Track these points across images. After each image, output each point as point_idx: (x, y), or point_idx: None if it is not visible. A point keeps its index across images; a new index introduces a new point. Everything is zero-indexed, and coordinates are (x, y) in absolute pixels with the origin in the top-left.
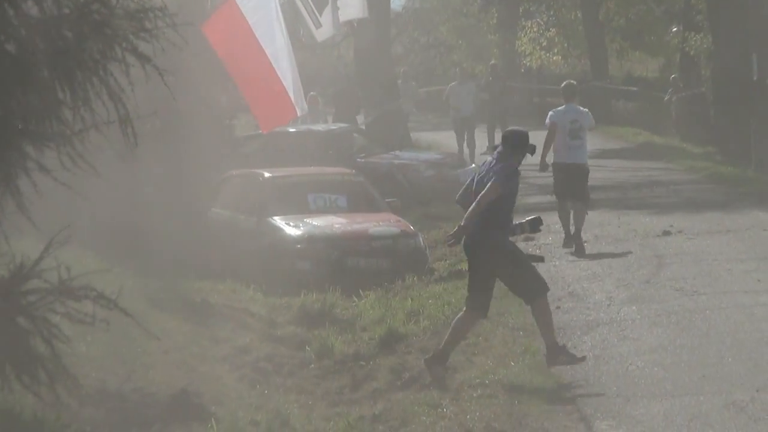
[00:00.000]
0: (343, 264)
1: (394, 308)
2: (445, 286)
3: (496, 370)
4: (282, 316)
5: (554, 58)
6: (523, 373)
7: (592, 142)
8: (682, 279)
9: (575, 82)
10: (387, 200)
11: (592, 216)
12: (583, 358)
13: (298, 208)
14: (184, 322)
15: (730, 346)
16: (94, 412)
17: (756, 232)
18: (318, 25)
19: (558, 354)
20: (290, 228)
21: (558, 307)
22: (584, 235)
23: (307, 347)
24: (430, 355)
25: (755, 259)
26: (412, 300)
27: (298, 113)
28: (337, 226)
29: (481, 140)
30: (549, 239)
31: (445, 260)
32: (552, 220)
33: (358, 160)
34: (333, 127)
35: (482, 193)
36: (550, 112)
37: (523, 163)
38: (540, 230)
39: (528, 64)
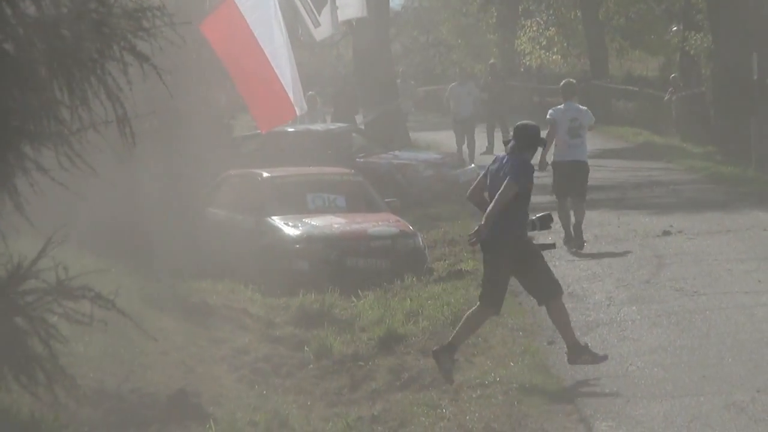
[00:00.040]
0: (342, 264)
1: (393, 308)
2: (445, 286)
3: (496, 371)
4: (280, 317)
5: (554, 57)
6: (523, 374)
7: (592, 141)
8: (682, 279)
9: (574, 81)
10: (386, 200)
11: (591, 216)
12: (605, 357)
13: (296, 208)
14: (183, 322)
15: (731, 347)
16: (91, 413)
17: (756, 232)
18: (317, 24)
19: (581, 353)
20: (289, 228)
21: None
22: (584, 236)
23: (305, 348)
24: (439, 346)
25: (756, 260)
26: (411, 300)
27: (298, 113)
28: (335, 226)
29: (481, 140)
30: (549, 239)
31: (445, 260)
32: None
33: (357, 159)
34: (332, 126)
35: (499, 192)
36: (550, 111)
37: None
38: (550, 227)
39: (527, 63)
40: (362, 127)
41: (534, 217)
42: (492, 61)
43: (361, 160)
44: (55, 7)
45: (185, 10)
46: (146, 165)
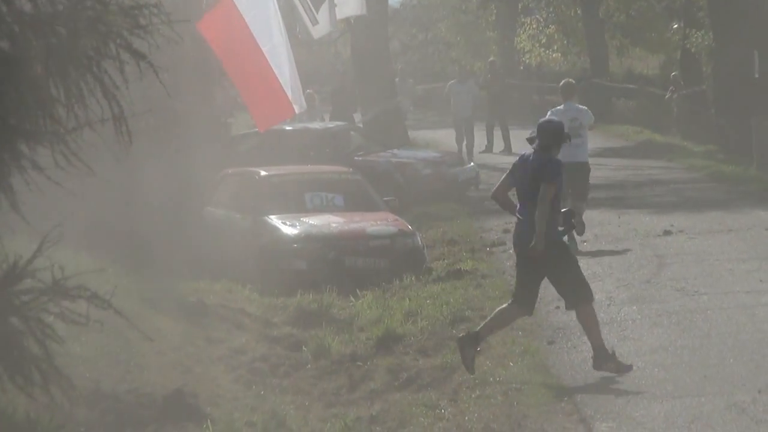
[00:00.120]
0: (340, 263)
1: (392, 308)
2: (444, 286)
3: (495, 371)
4: (278, 317)
5: (554, 55)
6: (522, 374)
7: (593, 140)
8: (683, 279)
9: (573, 81)
10: (385, 199)
11: (592, 215)
12: (630, 367)
13: (294, 207)
14: (179, 322)
15: (732, 347)
16: (88, 413)
17: (758, 232)
18: (314, 22)
19: (607, 360)
20: (287, 227)
21: (557, 308)
22: (585, 235)
23: (303, 348)
24: (464, 333)
25: (757, 259)
26: (409, 300)
27: (297, 111)
28: (334, 225)
29: (480, 139)
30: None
31: (444, 260)
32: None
33: (356, 158)
34: (330, 125)
35: (540, 198)
36: (549, 112)
37: None
38: (573, 224)
39: (527, 61)
40: (361, 125)
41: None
42: (491, 59)
43: (360, 158)
44: (51, 4)
45: (182, 8)
46: (143, 164)
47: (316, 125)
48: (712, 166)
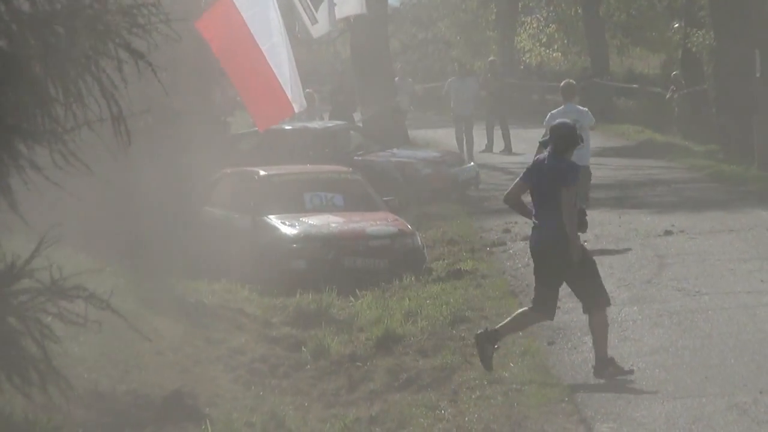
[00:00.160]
0: (340, 264)
1: (392, 308)
2: (444, 286)
3: (495, 372)
4: (277, 317)
5: (554, 54)
6: (523, 375)
7: (593, 140)
8: (684, 279)
9: (574, 82)
10: (384, 199)
11: (592, 215)
12: (631, 371)
13: (293, 206)
14: (178, 322)
15: (733, 348)
16: (86, 414)
17: (759, 232)
18: (314, 21)
19: (607, 365)
20: (286, 227)
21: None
22: (585, 236)
23: (302, 348)
24: (483, 330)
25: (758, 259)
26: (409, 300)
27: (297, 110)
28: (333, 225)
29: (480, 138)
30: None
31: (443, 260)
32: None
33: (355, 158)
34: (329, 124)
35: (564, 204)
36: (550, 113)
37: (519, 162)
38: (586, 222)
39: (527, 60)
40: (360, 124)
41: None
42: (491, 58)
43: (359, 158)
44: (50, 3)
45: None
46: (142, 163)
47: (316, 125)
48: (713, 165)
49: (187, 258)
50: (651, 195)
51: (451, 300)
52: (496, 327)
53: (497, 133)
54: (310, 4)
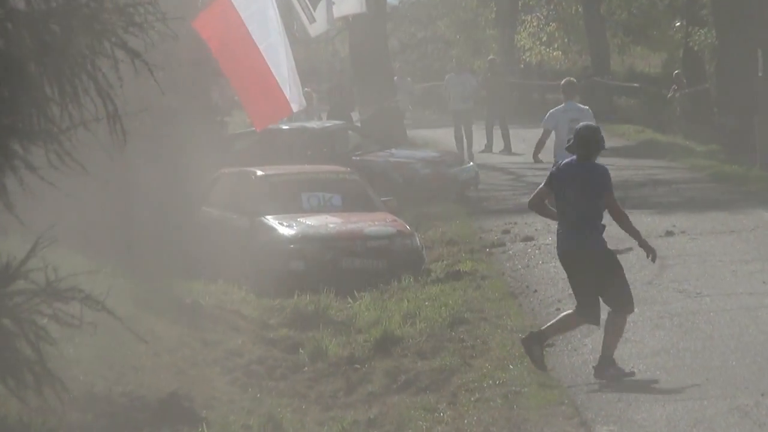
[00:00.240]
0: (338, 264)
1: (390, 310)
2: (442, 287)
3: (495, 374)
4: (275, 318)
5: (554, 53)
6: (522, 377)
7: None
8: (685, 280)
9: (575, 80)
10: (383, 199)
11: None
12: (632, 373)
13: (291, 207)
14: (174, 324)
15: (735, 350)
16: (81, 417)
17: (761, 233)
18: (312, 19)
19: (608, 366)
20: (283, 228)
21: (558, 309)
22: None
23: (300, 350)
24: (527, 334)
25: (760, 260)
26: (408, 301)
27: (295, 109)
28: (331, 225)
29: (479, 138)
30: (549, 239)
31: (442, 261)
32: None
33: (354, 158)
34: (328, 124)
35: (614, 211)
36: (549, 112)
37: (519, 162)
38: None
39: (527, 59)
40: (359, 124)
41: None
42: (491, 57)
43: (358, 158)
44: (45, 2)
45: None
46: (138, 163)
47: (314, 124)
48: (715, 166)
49: (184, 259)
50: (652, 195)
51: (450, 301)
52: (542, 328)
53: (497, 132)
54: (308, 2)
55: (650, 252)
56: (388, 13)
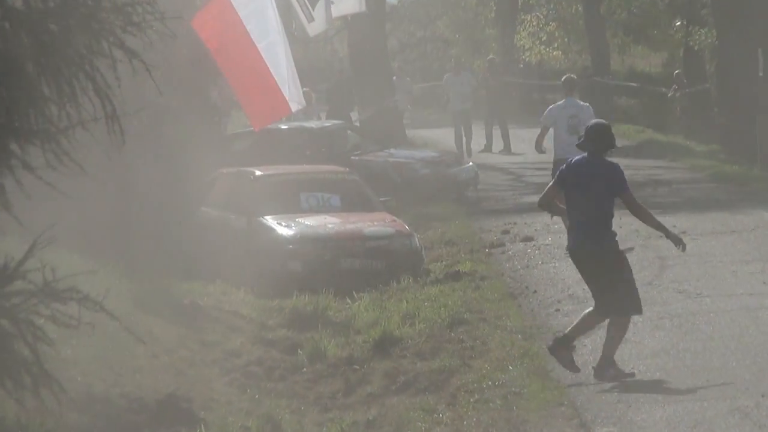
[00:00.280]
0: (337, 265)
1: (389, 310)
2: (442, 287)
3: (494, 375)
4: (273, 319)
5: (554, 53)
6: (522, 378)
7: None
8: (686, 281)
9: (575, 76)
10: (382, 199)
11: None
12: (632, 374)
13: (290, 207)
14: (173, 324)
15: (735, 350)
16: (79, 418)
17: (761, 233)
18: (310, 19)
19: (609, 367)
20: (282, 228)
21: (557, 310)
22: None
23: (299, 351)
24: (551, 342)
25: (761, 261)
26: (407, 302)
27: (294, 108)
28: (330, 226)
29: (479, 138)
30: (549, 240)
31: (442, 261)
32: (552, 220)
33: (353, 158)
34: (326, 124)
35: (632, 205)
36: (548, 108)
37: (518, 162)
38: None
39: (527, 59)
40: (357, 124)
41: None
42: (490, 57)
43: (357, 158)
44: (43, 1)
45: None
46: (137, 163)
47: (313, 124)
48: (716, 166)
49: (183, 259)
50: (652, 195)
51: (450, 302)
52: (565, 332)
53: (496, 132)
54: (307, 2)
55: (678, 242)
56: (387, 12)
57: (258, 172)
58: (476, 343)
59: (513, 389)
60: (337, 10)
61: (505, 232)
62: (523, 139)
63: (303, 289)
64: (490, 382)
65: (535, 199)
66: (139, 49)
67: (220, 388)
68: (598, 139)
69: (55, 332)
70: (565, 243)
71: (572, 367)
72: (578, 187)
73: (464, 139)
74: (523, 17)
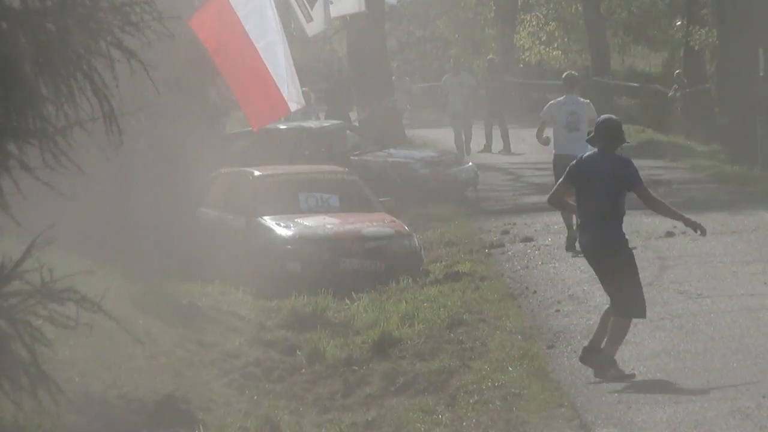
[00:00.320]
0: (336, 265)
1: (388, 311)
2: (441, 288)
3: (494, 376)
4: (272, 320)
5: (554, 52)
6: (522, 379)
7: None
8: (686, 281)
9: (576, 73)
10: (381, 200)
11: None
12: (633, 375)
13: (288, 207)
14: (171, 325)
15: (736, 351)
16: (77, 419)
17: (762, 233)
18: (309, 19)
19: (610, 367)
20: (281, 228)
21: (557, 311)
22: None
23: (297, 351)
24: (581, 353)
25: (762, 261)
26: (406, 303)
27: (293, 108)
28: (329, 226)
29: (479, 138)
30: (548, 240)
31: (441, 262)
32: (552, 220)
33: (352, 158)
34: (325, 124)
35: (649, 198)
36: (548, 104)
37: (518, 162)
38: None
39: (527, 59)
40: (357, 124)
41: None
42: (490, 57)
43: (356, 158)
44: (41, 0)
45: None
46: (135, 163)
47: (311, 124)
48: (716, 166)
49: (181, 259)
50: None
51: (449, 303)
52: (590, 340)
53: (496, 132)
54: (305, 2)
55: (698, 227)
56: (386, 12)
57: (257, 173)
58: (476, 343)
59: (513, 390)
60: (336, 10)
61: (505, 232)
62: (523, 139)
63: (302, 289)
64: (489, 383)
65: (535, 199)
66: (137, 48)
67: (218, 388)
68: (609, 135)
69: (53, 333)
70: (565, 243)
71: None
72: (588, 183)
73: (464, 137)
74: (522, 17)
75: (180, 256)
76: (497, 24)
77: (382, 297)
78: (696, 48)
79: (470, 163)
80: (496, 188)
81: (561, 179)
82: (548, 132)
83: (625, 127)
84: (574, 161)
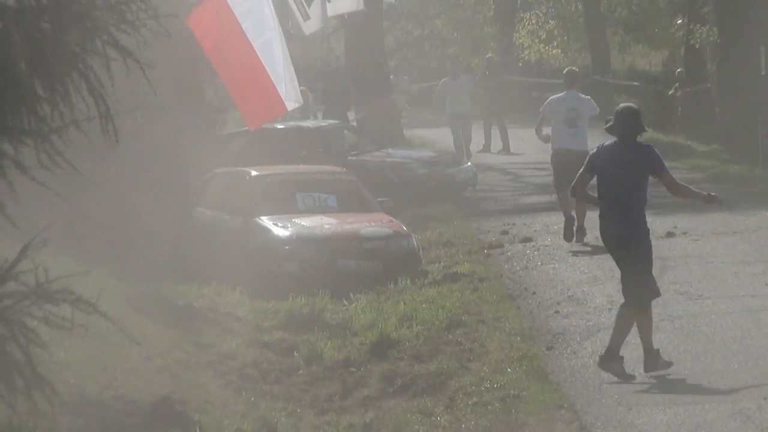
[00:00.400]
0: (333, 266)
1: (386, 312)
2: (440, 289)
3: (493, 377)
4: (269, 321)
5: (553, 51)
6: (521, 380)
7: (592, 139)
8: (687, 282)
9: (576, 69)
10: (379, 200)
11: (593, 216)
12: (633, 377)
13: (286, 207)
14: (167, 326)
15: (736, 353)
16: (72, 421)
17: (763, 234)
18: (306, 17)
19: (614, 362)
20: (278, 229)
21: (557, 312)
22: (588, 237)
23: (295, 353)
24: (599, 358)
25: (762, 262)
26: (404, 304)
27: (291, 107)
28: (326, 226)
29: (478, 138)
30: (548, 240)
31: (440, 262)
32: (551, 221)
33: (350, 158)
34: (323, 123)
35: (672, 184)
36: (548, 99)
37: (517, 162)
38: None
39: (526, 57)
40: (354, 123)
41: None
42: (489, 55)
43: (354, 158)
44: None
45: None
46: (131, 163)
47: (309, 124)
48: (717, 165)
49: (178, 260)
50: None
51: (448, 303)
52: (608, 345)
53: (495, 132)
54: (303, 0)
55: (717, 201)
56: (384, 10)
57: (254, 172)
58: (474, 345)
59: (512, 392)
60: (333, 9)
61: (504, 232)
62: (522, 138)
63: (299, 290)
64: (488, 385)
65: (534, 199)
66: (133, 47)
67: (215, 390)
68: (629, 123)
69: (48, 334)
70: (564, 244)
71: (627, 377)
72: (610, 171)
73: (463, 141)
74: (522, 15)
75: (176, 256)
76: (496, 22)
77: (381, 298)
78: (697, 47)
79: (469, 163)
80: (495, 188)
81: (582, 169)
82: (547, 130)
83: None
84: (595, 149)
